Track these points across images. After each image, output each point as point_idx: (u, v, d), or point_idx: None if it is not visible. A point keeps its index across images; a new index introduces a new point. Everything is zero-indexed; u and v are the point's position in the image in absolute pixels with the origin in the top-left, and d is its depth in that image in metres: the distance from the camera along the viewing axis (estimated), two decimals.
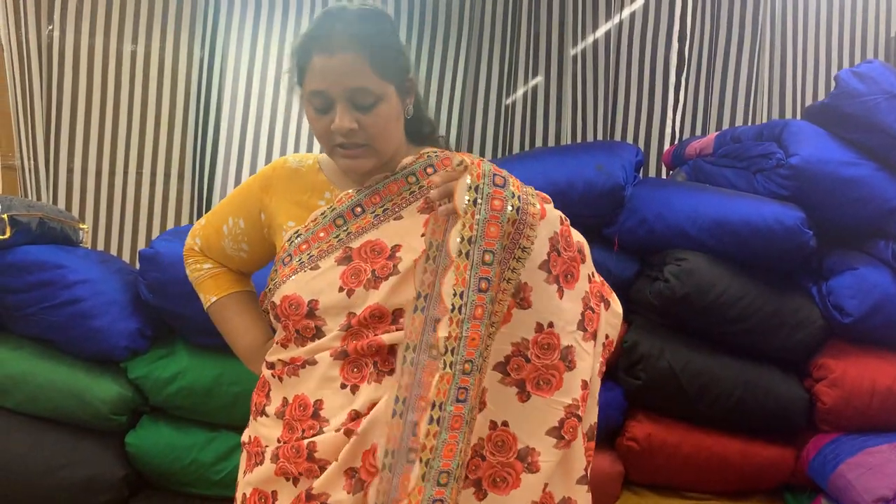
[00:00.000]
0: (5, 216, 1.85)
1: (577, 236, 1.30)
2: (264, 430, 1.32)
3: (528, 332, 1.19)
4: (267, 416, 1.32)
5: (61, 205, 2.77)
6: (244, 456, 1.36)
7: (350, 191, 1.33)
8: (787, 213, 1.92)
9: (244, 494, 1.31)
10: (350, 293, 1.25)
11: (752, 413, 1.96)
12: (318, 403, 1.25)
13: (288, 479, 1.25)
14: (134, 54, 2.78)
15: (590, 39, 2.97)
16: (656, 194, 2.08)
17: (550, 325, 1.20)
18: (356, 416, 1.21)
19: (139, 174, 2.82)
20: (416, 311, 1.19)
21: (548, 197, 1.29)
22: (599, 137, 2.97)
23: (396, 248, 1.27)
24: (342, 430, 1.21)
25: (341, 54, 1.21)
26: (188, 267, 1.52)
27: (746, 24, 2.98)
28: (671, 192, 2.10)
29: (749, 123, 2.98)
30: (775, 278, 1.99)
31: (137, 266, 1.97)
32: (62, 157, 2.77)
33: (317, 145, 2.83)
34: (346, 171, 1.32)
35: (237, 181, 2.83)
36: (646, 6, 2.95)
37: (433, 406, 1.11)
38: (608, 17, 2.97)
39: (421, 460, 1.11)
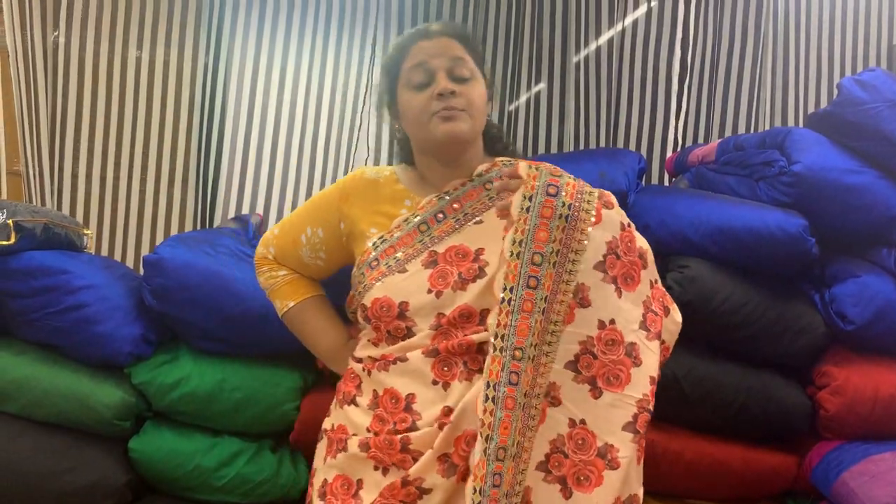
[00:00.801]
0: (10, 222, 1.86)
1: (641, 242, 1.36)
2: (354, 417, 1.38)
3: (592, 329, 1.26)
4: (357, 405, 1.39)
5: (66, 210, 2.78)
6: (324, 443, 1.44)
7: (431, 197, 1.42)
8: (789, 221, 1.92)
9: (325, 479, 1.38)
10: (439, 294, 1.33)
11: (755, 420, 1.95)
12: (411, 397, 1.32)
13: (377, 469, 1.31)
14: (139, 61, 2.80)
15: (593, 46, 2.98)
16: (659, 201, 2.08)
17: (612, 321, 1.27)
18: (449, 412, 1.27)
19: (143, 180, 2.83)
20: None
21: (612, 201, 1.35)
22: (602, 144, 2.98)
23: (480, 251, 1.35)
24: (436, 424, 1.27)
25: (441, 38, 1.37)
26: (261, 275, 1.61)
27: (749, 31, 2.99)
28: (674, 199, 2.10)
29: (751, 131, 2.99)
30: (778, 285, 1.99)
31: (141, 272, 1.98)
32: (67, 163, 2.78)
33: (331, 156, 2.87)
34: (444, 135, 1.36)
35: (241, 187, 2.83)
36: (648, 14, 2.96)
37: (487, 385, 1.21)
38: (611, 24, 2.97)
39: (481, 435, 1.19)
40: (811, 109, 2.99)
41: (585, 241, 1.25)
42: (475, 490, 1.19)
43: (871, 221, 2.01)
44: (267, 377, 1.95)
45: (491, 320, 1.24)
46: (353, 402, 1.40)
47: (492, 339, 1.23)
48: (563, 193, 1.27)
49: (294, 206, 2.88)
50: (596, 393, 1.26)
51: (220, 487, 1.91)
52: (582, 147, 2.97)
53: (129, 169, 2.82)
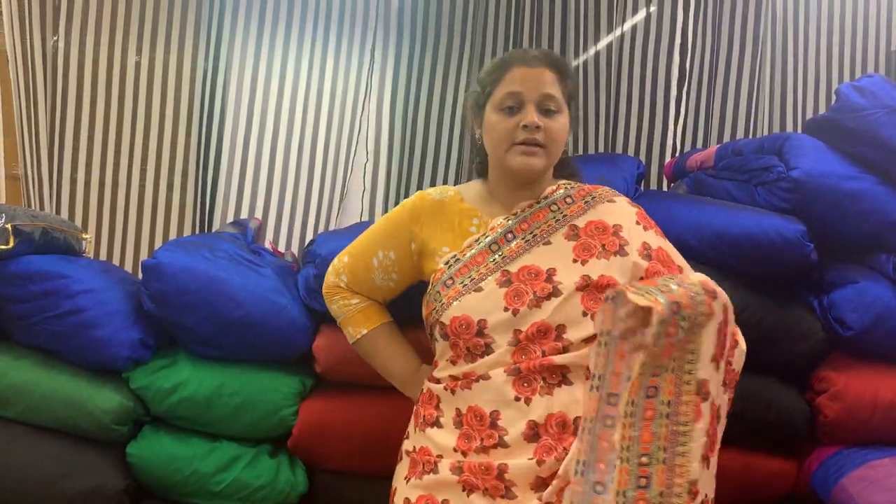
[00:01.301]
0: (9, 226, 1.86)
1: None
2: (437, 439, 1.44)
3: (709, 418, 1.32)
4: (441, 426, 1.45)
5: (65, 215, 2.78)
6: (406, 463, 1.50)
7: (500, 219, 1.51)
8: (788, 226, 1.92)
9: (408, 499, 1.44)
10: (515, 312, 1.41)
11: (754, 425, 1.95)
12: (495, 414, 1.39)
13: (465, 490, 1.37)
14: (138, 65, 2.80)
15: (591, 52, 2.99)
16: (657, 206, 2.08)
17: (714, 399, 1.34)
18: (534, 427, 1.36)
19: (142, 185, 2.83)
20: (591, 390, 1.31)
21: (714, 288, 1.39)
22: (601, 149, 2.98)
23: (552, 271, 1.44)
24: (535, 461, 1.34)
25: (539, 67, 1.45)
26: (333, 303, 1.68)
27: (748, 37, 2.99)
28: (672, 205, 2.10)
29: (750, 136, 2.99)
30: (776, 291, 1.99)
31: (140, 276, 1.97)
32: (66, 168, 2.78)
33: (330, 160, 2.87)
34: (520, 168, 1.47)
35: (240, 192, 2.83)
36: (647, 19, 2.96)
37: (617, 493, 1.24)
38: (610, 29, 2.98)
39: None
40: (810, 115, 3.00)
41: (702, 341, 1.31)
42: None
43: (870, 227, 2.01)
44: (265, 382, 1.95)
45: (616, 436, 1.26)
46: (435, 423, 1.46)
47: (618, 453, 1.26)
48: (682, 308, 1.29)
49: (293, 211, 2.88)
50: (707, 464, 1.34)
51: (218, 493, 1.90)
52: (581, 152, 2.97)
53: (129, 173, 2.82)
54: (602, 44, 2.99)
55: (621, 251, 1.48)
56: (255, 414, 1.93)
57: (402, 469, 1.52)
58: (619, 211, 1.56)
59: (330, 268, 1.70)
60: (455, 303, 1.45)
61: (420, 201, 1.59)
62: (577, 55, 2.98)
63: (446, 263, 1.50)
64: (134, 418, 1.93)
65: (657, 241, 1.56)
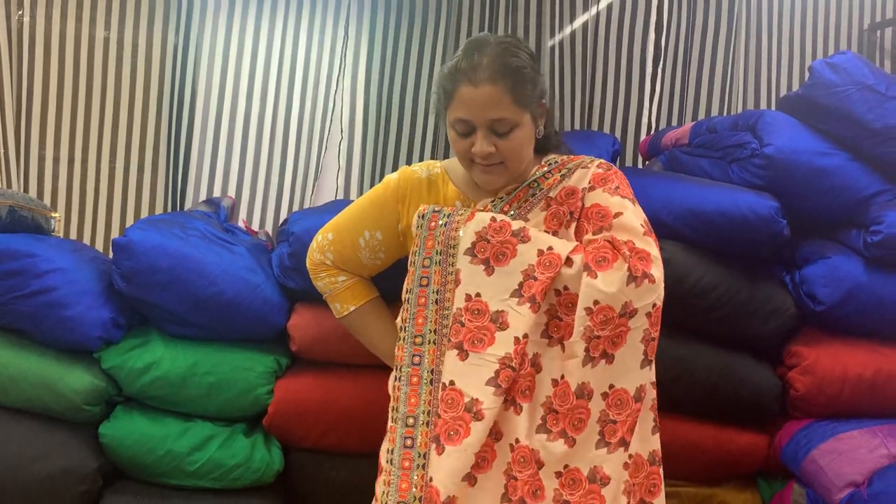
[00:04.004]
0: None
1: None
2: None
3: (461, 302, 1.42)
4: None
5: (32, 193, 2.73)
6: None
7: (486, 202, 1.53)
8: (761, 203, 1.93)
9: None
10: None
11: (727, 400, 1.98)
12: None
13: None
14: (107, 41, 2.74)
15: (567, 31, 2.98)
16: (632, 183, 2.06)
17: (478, 294, 1.41)
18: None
19: (112, 162, 2.78)
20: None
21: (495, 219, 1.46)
22: (577, 127, 2.98)
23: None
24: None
25: (484, 87, 1.39)
26: (319, 280, 1.69)
27: (722, 15, 3.00)
28: (647, 182, 2.11)
29: (725, 114, 3.01)
30: (749, 267, 2.01)
31: (111, 255, 1.95)
32: (33, 145, 2.73)
33: (304, 138, 2.84)
34: (482, 184, 1.51)
35: (212, 169, 2.80)
36: None
37: (396, 368, 1.47)
38: (585, 8, 2.97)
39: (393, 408, 1.45)
40: (784, 92, 3.01)
41: (459, 237, 1.44)
42: (388, 450, 1.46)
43: (842, 203, 2.03)
44: (240, 361, 1.94)
45: (398, 319, 1.48)
46: None
47: (398, 333, 1.47)
48: (444, 213, 1.49)
49: (267, 189, 2.85)
50: (463, 356, 1.39)
51: (193, 472, 1.89)
52: (557, 130, 2.97)
53: (98, 151, 2.77)
54: (578, 23, 2.98)
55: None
56: (230, 393, 1.92)
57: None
58: (586, 175, 1.55)
59: (313, 244, 1.70)
60: None
61: (405, 180, 1.59)
62: (552, 34, 2.97)
63: None
64: (106, 398, 1.91)
65: (596, 198, 1.50)
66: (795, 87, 3.05)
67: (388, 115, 2.89)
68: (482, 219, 1.44)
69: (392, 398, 1.45)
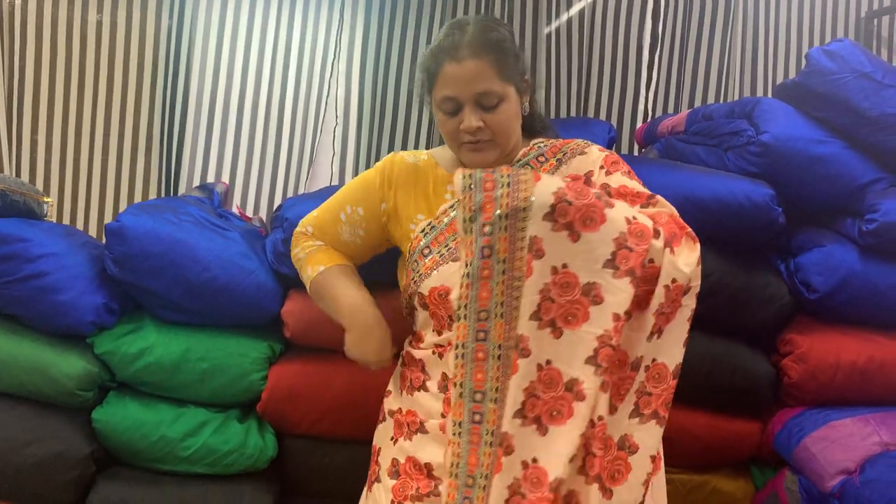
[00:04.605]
0: None
1: (617, 181, 1.43)
2: (424, 403, 1.45)
3: (546, 276, 1.30)
4: (427, 390, 1.45)
5: (25, 178, 2.72)
6: (391, 423, 1.50)
7: None
8: (756, 190, 1.93)
9: (395, 459, 1.44)
10: None
11: (720, 388, 1.98)
12: None
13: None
14: (99, 24, 2.72)
15: (564, 18, 2.96)
16: None
17: (564, 266, 1.29)
18: None
19: (106, 147, 2.77)
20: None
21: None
22: (573, 115, 2.98)
23: None
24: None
25: (468, 61, 1.39)
26: (295, 248, 1.65)
27: (720, 3, 3.00)
28: (642, 169, 2.08)
29: (721, 101, 3.01)
30: (744, 255, 2.01)
31: (104, 240, 1.94)
32: (25, 129, 2.71)
33: (298, 123, 2.83)
34: (472, 164, 1.45)
35: (206, 154, 2.79)
36: None
37: (456, 346, 1.32)
38: None
39: (455, 384, 1.32)
40: (780, 80, 3.01)
41: (532, 198, 1.29)
42: (454, 423, 1.31)
43: (837, 191, 2.03)
44: (233, 347, 1.93)
45: (454, 296, 1.36)
46: (422, 387, 1.46)
47: (457, 311, 1.31)
48: (500, 172, 1.33)
49: (261, 174, 2.84)
50: (557, 333, 1.30)
51: (186, 458, 1.89)
52: (553, 117, 2.97)
53: (91, 135, 2.75)
54: (574, 9, 2.97)
55: None
56: (223, 379, 1.91)
57: (386, 429, 1.52)
58: (588, 159, 1.54)
59: (300, 221, 1.69)
60: (433, 273, 1.44)
61: (391, 164, 1.57)
62: (549, 21, 2.95)
63: (422, 231, 1.48)
64: (99, 384, 1.91)
65: (619, 180, 1.50)
66: (792, 74, 3.04)
67: (384, 101, 2.88)
68: (556, 180, 1.33)
69: (453, 374, 1.33)
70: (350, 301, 1.54)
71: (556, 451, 1.28)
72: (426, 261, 1.46)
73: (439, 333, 1.47)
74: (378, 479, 1.48)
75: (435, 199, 1.52)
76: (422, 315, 1.51)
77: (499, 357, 1.31)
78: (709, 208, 1.94)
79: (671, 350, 1.37)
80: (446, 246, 1.46)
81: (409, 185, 1.54)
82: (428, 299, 1.45)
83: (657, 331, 1.36)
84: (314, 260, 1.60)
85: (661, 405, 1.37)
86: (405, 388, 1.51)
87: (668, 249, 1.34)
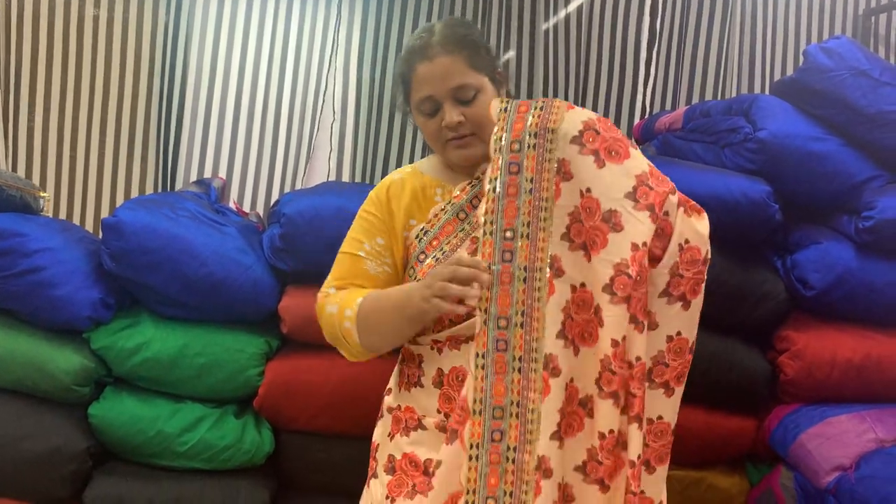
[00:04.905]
0: None
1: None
2: (420, 400, 1.43)
3: (576, 199, 1.32)
4: (422, 386, 1.43)
5: (21, 172, 2.71)
6: (390, 419, 1.47)
7: (464, 184, 1.46)
8: (753, 187, 1.93)
9: (392, 455, 1.42)
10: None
11: (717, 384, 1.98)
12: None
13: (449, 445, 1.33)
14: (96, 18, 2.72)
15: (562, 14, 2.96)
16: None
17: (588, 190, 1.32)
18: None
19: (102, 142, 2.76)
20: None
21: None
22: None
23: None
24: None
25: (440, 58, 1.40)
26: (324, 312, 1.46)
27: (717, 0, 2.99)
28: None
29: (718, 98, 3.00)
30: (741, 251, 2.01)
31: (100, 236, 1.94)
32: (22, 124, 2.71)
33: (296, 119, 2.83)
34: (459, 161, 1.45)
35: (203, 149, 2.78)
36: None
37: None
38: None
39: (479, 309, 1.30)
40: (778, 77, 3.01)
41: (561, 120, 1.33)
42: (478, 355, 1.30)
43: (834, 189, 2.03)
44: (230, 342, 1.94)
45: (480, 211, 1.34)
46: (417, 383, 1.45)
47: (482, 227, 1.32)
48: (536, 100, 1.38)
49: (258, 170, 2.84)
50: (587, 258, 1.32)
51: (183, 453, 1.89)
52: None
53: (88, 131, 2.75)
54: (572, 6, 2.96)
55: None
56: (220, 374, 1.92)
57: (384, 425, 1.51)
58: None
59: (320, 292, 1.51)
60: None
61: (384, 191, 1.51)
62: (547, 18, 2.95)
63: (416, 237, 1.45)
64: (95, 379, 1.91)
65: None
66: (789, 71, 3.05)
67: (381, 96, 2.88)
68: (588, 111, 1.36)
69: (481, 299, 1.29)
70: (396, 301, 1.39)
71: (585, 372, 1.32)
72: (423, 266, 1.43)
73: (437, 332, 1.45)
74: (375, 475, 1.48)
75: (425, 203, 1.49)
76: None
77: (524, 280, 1.31)
78: (706, 205, 1.90)
79: (692, 327, 1.41)
80: (441, 250, 1.43)
81: (401, 199, 1.50)
82: None
83: (678, 297, 1.38)
84: (346, 303, 1.42)
85: (674, 378, 1.40)
86: (403, 384, 1.50)
87: (682, 209, 1.38)
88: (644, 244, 1.31)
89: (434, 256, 1.42)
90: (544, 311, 1.31)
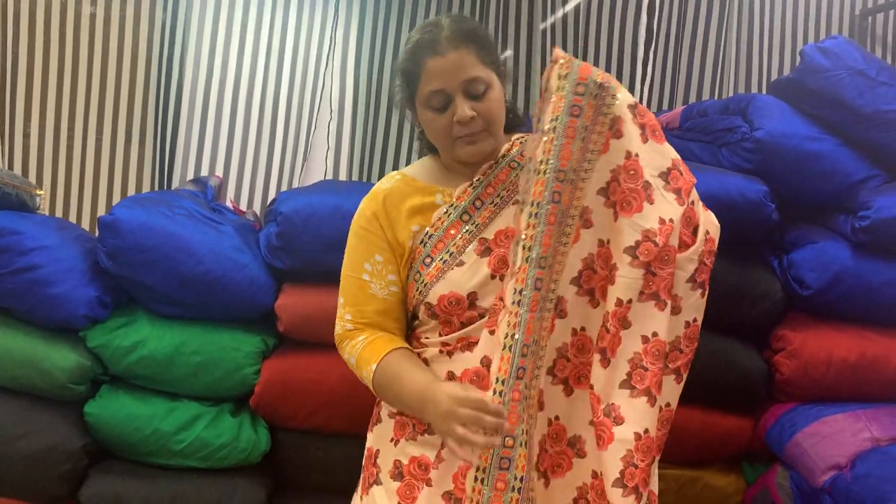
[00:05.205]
0: None
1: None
2: None
3: (620, 158, 1.36)
4: None
5: (17, 170, 2.71)
6: (391, 424, 1.46)
7: (465, 187, 1.45)
8: (750, 187, 1.94)
9: (398, 461, 1.41)
10: (503, 278, 1.39)
11: (713, 384, 1.98)
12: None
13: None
14: (93, 17, 2.71)
15: (559, 13, 2.96)
16: None
17: (636, 155, 1.36)
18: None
19: (99, 139, 2.76)
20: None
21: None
22: None
23: None
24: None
25: (451, 52, 1.37)
26: (344, 353, 1.47)
27: None
28: None
29: (716, 97, 3.00)
30: (738, 251, 2.01)
31: (97, 233, 1.93)
32: (18, 121, 2.70)
33: (293, 117, 2.82)
34: (468, 158, 1.43)
35: (199, 147, 2.78)
36: None
37: (531, 204, 1.31)
38: None
39: (524, 247, 1.31)
40: (775, 76, 3.02)
41: (621, 89, 1.37)
42: (515, 290, 1.30)
43: (831, 188, 2.04)
44: (227, 341, 1.94)
45: (536, 148, 1.34)
46: None
47: (537, 165, 1.33)
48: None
49: (255, 169, 2.84)
50: (615, 216, 1.36)
51: (179, 452, 1.89)
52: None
53: (84, 128, 2.74)
54: (570, 5, 2.97)
55: None
56: (217, 373, 1.91)
57: (384, 431, 1.47)
58: None
59: (336, 326, 1.50)
60: (440, 280, 1.40)
61: (373, 200, 1.49)
62: (545, 17, 2.95)
63: (421, 242, 1.43)
64: (91, 377, 1.91)
65: None
66: (786, 71, 3.05)
67: (378, 95, 2.88)
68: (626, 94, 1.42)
69: (524, 236, 1.31)
70: (414, 395, 1.35)
71: (598, 325, 1.37)
72: (429, 269, 1.41)
73: (445, 335, 1.43)
74: (378, 482, 1.44)
75: (426, 209, 1.47)
76: (429, 324, 1.46)
77: (559, 224, 1.33)
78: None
79: (702, 315, 1.45)
80: (448, 252, 1.42)
81: (396, 206, 1.47)
82: (438, 308, 1.40)
83: (701, 284, 1.41)
84: (363, 361, 1.42)
85: (683, 364, 1.44)
86: None
87: (701, 204, 1.45)
88: (671, 221, 1.35)
89: (441, 259, 1.42)
90: (568, 256, 1.36)
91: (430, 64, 1.38)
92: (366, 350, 1.42)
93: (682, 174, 1.40)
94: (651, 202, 1.35)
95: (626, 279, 1.33)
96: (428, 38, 1.39)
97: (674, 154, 1.41)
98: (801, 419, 1.96)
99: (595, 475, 1.35)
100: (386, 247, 1.46)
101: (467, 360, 1.38)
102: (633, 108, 1.37)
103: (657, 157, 1.38)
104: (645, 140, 1.37)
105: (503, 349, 1.29)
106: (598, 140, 1.35)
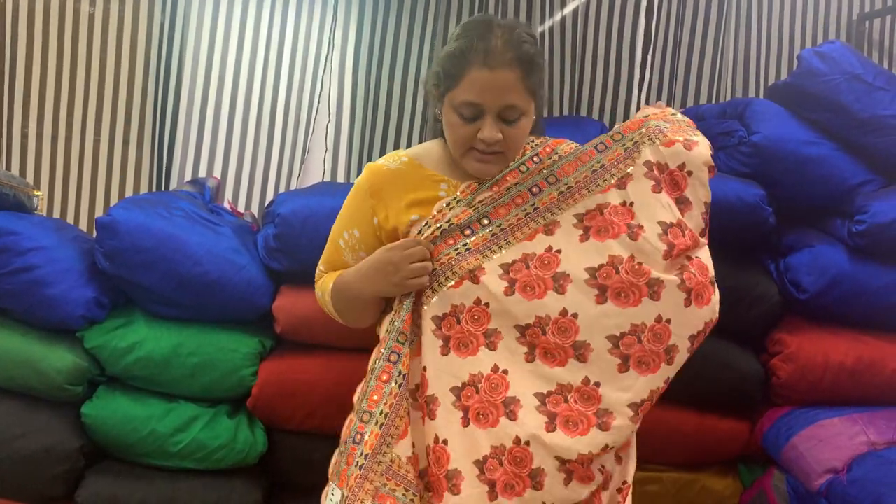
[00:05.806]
0: None
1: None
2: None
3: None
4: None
5: (15, 171, 2.70)
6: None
7: (470, 182, 1.45)
8: (747, 191, 1.94)
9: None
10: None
11: (710, 387, 1.99)
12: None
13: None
14: (91, 16, 2.71)
15: (557, 16, 2.96)
16: None
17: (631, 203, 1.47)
18: None
19: (97, 140, 2.75)
20: None
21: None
22: (566, 113, 2.98)
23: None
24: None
25: (501, 71, 1.33)
26: (317, 290, 1.60)
27: (712, 3, 3.00)
28: None
29: (713, 101, 3.01)
30: (735, 254, 2.02)
31: (94, 235, 1.93)
32: (16, 121, 2.69)
33: (291, 118, 2.82)
34: (476, 174, 1.44)
35: (198, 148, 2.78)
36: None
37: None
38: None
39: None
40: (772, 81, 3.02)
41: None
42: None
43: (828, 192, 2.04)
44: (224, 342, 1.93)
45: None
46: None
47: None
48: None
49: (253, 170, 2.84)
50: (585, 238, 1.45)
51: (176, 453, 1.89)
52: (545, 116, 2.96)
53: (82, 128, 2.74)
54: (568, 8, 2.97)
55: None
56: (214, 374, 1.91)
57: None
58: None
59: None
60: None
61: (373, 175, 1.49)
62: (543, 19, 2.95)
63: (419, 232, 1.42)
64: (88, 378, 1.90)
65: None
66: (784, 75, 3.05)
67: (377, 97, 2.88)
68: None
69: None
70: (361, 274, 1.46)
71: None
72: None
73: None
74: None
75: (427, 199, 1.46)
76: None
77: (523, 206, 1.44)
78: None
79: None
80: (463, 244, 1.41)
81: (397, 193, 1.46)
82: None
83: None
84: (325, 284, 1.55)
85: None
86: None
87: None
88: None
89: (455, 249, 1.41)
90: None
91: (474, 73, 1.34)
92: (329, 278, 1.55)
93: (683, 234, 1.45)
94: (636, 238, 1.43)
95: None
96: (482, 47, 1.34)
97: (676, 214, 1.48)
98: (798, 423, 1.96)
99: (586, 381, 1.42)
100: (368, 222, 1.49)
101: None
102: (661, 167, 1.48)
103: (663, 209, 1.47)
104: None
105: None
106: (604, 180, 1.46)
